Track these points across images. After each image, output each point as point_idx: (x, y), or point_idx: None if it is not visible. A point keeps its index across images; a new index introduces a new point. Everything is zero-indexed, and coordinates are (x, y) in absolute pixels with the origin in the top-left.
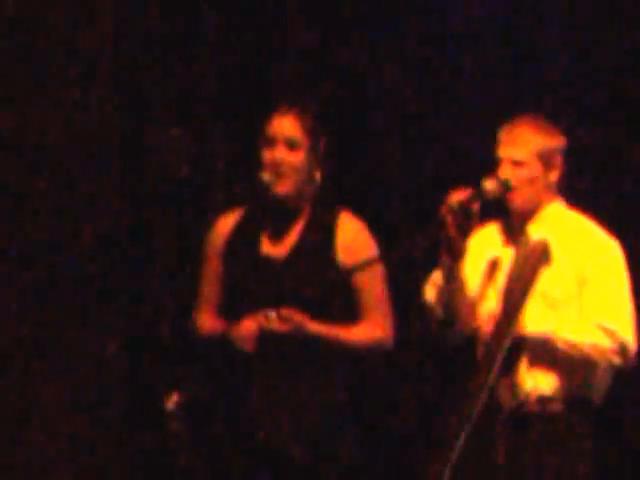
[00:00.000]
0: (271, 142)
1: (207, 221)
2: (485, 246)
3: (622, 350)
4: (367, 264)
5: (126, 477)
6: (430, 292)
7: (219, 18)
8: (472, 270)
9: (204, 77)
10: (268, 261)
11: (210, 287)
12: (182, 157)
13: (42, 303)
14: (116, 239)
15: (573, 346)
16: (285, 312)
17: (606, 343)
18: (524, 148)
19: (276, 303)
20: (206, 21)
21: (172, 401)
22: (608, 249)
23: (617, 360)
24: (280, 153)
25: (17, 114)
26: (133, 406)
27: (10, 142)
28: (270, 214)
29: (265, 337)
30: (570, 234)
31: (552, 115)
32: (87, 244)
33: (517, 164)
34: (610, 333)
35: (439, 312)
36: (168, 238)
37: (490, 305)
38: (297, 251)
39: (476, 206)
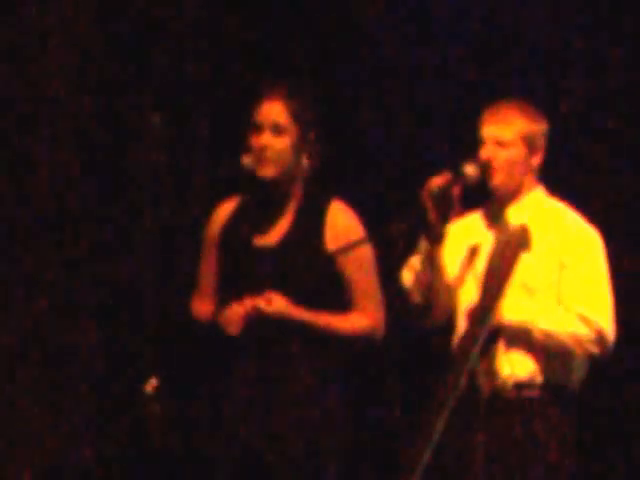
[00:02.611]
0: (258, 128)
1: (187, 206)
2: (465, 232)
3: (600, 339)
4: (351, 247)
5: (104, 460)
6: (407, 276)
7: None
8: (451, 256)
9: (185, 61)
10: (259, 249)
11: (208, 275)
12: (162, 143)
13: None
14: (97, 225)
15: (550, 336)
16: (269, 295)
17: (584, 332)
18: (509, 129)
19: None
20: (188, 4)
21: (151, 385)
22: (587, 237)
23: (594, 349)
24: (266, 138)
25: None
26: (112, 389)
27: None
28: (262, 202)
29: (252, 323)
30: (550, 221)
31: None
32: (69, 227)
33: (501, 144)
34: (588, 322)
35: (416, 297)
36: (149, 223)
37: (469, 290)
38: (287, 239)
39: (456, 190)
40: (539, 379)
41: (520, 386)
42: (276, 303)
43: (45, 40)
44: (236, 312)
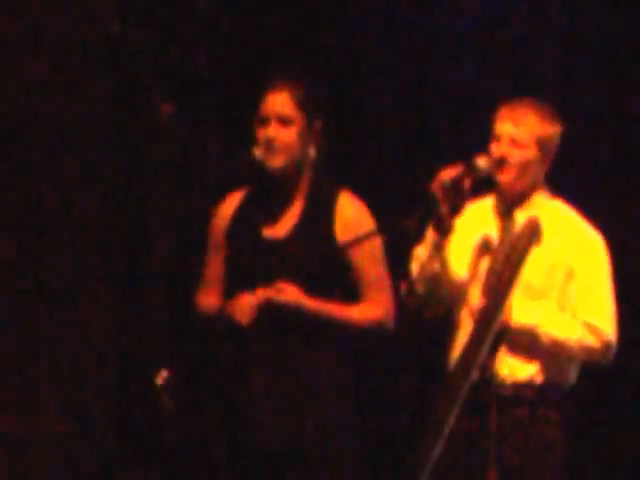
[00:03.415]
0: (265, 120)
1: (199, 200)
2: (472, 224)
3: (606, 349)
4: (362, 239)
5: (117, 452)
6: (412, 266)
7: None
8: (456, 248)
9: (197, 54)
10: (268, 241)
11: (214, 268)
12: (174, 135)
13: (34, 283)
14: (109, 219)
15: (557, 342)
16: (280, 285)
17: (590, 341)
18: (526, 129)
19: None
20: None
21: (161, 377)
22: (595, 244)
23: (599, 358)
24: (273, 130)
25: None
26: (124, 382)
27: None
28: (270, 194)
29: (263, 313)
30: (557, 225)
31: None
32: (80, 226)
33: (515, 143)
34: (596, 332)
35: (420, 287)
36: (160, 217)
37: (476, 287)
38: (297, 231)
39: (467, 183)
40: (538, 380)
41: (517, 386)
42: (288, 293)
43: (61, 33)
44: (248, 302)
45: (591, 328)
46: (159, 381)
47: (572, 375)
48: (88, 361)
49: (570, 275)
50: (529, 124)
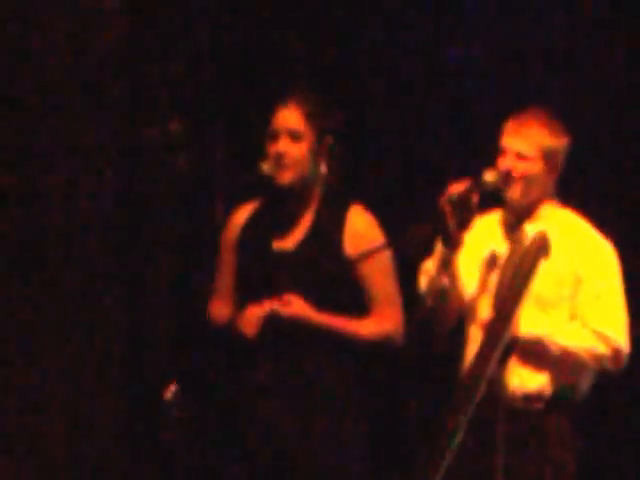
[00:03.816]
0: (275, 135)
1: (206, 213)
2: (481, 239)
3: (616, 356)
4: (371, 253)
5: (125, 466)
6: (422, 280)
7: (221, 6)
8: (466, 263)
9: (203, 70)
10: (277, 253)
11: (225, 279)
12: (181, 150)
13: (43, 291)
14: (116, 231)
15: (567, 352)
16: (287, 298)
17: (601, 349)
18: (531, 143)
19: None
20: (208, 12)
21: (170, 391)
22: (604, 252)
23: (610, 365)
24: (283, 145)
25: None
26: (133, 396)
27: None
28: (281, 206)
29: (270, 325)
30: (565, 235)
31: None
32: (87, 236)
33: (521, 157)
34: (605, 339)
35: (429, 301)
36: (167, 230)
37: (485, 300)
38: (306, 243)
39: (475, 197)
40: (548, 391)
41: (528, 398)
42: (295, 306)
43: (65, 47)
44: (254, 314)
45: (600, 336)
46: (168, 395)
47: (584, 386)
48: (92, 367)
49: (578, 283)
50: (534, 137)
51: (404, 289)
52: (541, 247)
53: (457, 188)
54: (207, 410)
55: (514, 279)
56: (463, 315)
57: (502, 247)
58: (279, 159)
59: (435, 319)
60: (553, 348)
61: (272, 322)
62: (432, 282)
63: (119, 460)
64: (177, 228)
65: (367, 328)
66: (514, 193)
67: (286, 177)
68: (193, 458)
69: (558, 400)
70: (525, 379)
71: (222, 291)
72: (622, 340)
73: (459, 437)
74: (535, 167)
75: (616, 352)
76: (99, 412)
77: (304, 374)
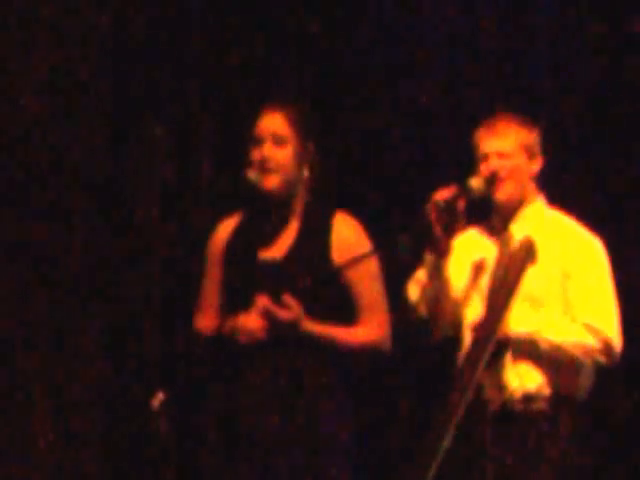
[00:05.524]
0: (259, 140)
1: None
2: (469, 246)
3: (607, 348)
4: (358, 260)
5: (110, 476)
6: (413, 290)
7: (205, 15)
8: (456, 270)
9: (188, 75)
10: (264, 263)
11: (210, 290)
12: (165, 156)
13: (28, 300)
14: (101, 238)
15: (557, 347)
16: (287, 299)
17: (591, 342)
18: (508, 139)
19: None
20: (192, 19)
21: (157, 400)
22: (590, 247)
23: (602, 359)
24: (267, 150)
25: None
26: (118, 405)
27: None
28: (265, 216)
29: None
30: (552, 232)
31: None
32: (73, 244)
33: (503, 156)
34: (595, 331)
35: (422, 310)
36: (152, 237)
37: (475, 305)
38: (293, 252)
39: (461, 204)
40: (547, 391)
41: (529, 398)
42: (292, 310)
43: (55, 52)
44: (256, 321)
45: (590, 329)
46: (155, 404)
47: (584, 386)
48: (81, 386)
49: (566, 278)
50: (509, 134)
51: (390, 296)
52: (528, 253)
53: (443, 194)
54: (195, 417)
55: (501, 287)
56: (457, 322)
57: (491, 253)
58: (263, 163)
59: (430, 329)
60: (542, 344)
61: (268, 322)
62: (424, 290)
63: (104, 472)
64: (163, 235)
65: (355, 336)
66: (504, 193)
67: (271, 182)
68: (182, 465)
69: (558, 400)
70: (524, 379)
71: (207, 304)
72: (612, 332)
73: (449, 440)
74: (519, 161)
75: (606, 344)
76: (84, 424)
77: (294, 383)
